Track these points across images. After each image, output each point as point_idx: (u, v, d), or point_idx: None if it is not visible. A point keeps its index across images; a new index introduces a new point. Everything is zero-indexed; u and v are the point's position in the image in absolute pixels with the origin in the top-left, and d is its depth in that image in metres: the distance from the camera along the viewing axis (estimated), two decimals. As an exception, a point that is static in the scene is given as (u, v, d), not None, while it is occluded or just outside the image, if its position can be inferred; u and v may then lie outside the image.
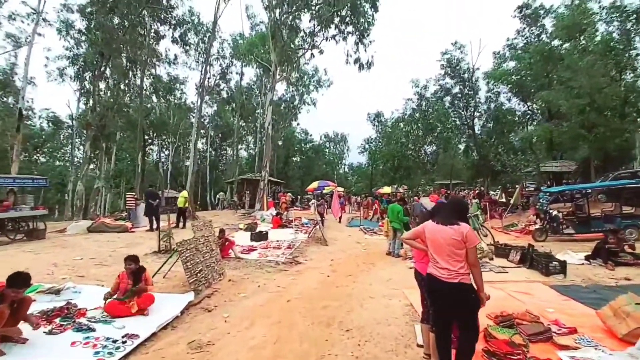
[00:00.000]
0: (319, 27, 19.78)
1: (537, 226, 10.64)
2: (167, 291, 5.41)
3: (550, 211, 10.36)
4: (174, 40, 20.67)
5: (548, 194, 11.13)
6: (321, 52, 20.57)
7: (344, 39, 19.23)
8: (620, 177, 15.75)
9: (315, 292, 5.67)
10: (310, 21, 20.18)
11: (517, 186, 20.36)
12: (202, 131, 47.18)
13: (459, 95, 22.57)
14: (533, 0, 22.70)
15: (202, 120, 45.68)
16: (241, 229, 13.30)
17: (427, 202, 15.61)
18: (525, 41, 24.10)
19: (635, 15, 17.13)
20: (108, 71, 17.62)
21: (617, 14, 17.85)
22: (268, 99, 19.52)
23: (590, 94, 14.36)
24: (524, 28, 24.17)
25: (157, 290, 5.23)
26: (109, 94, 17.55)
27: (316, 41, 20.29)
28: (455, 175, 29.80)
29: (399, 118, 17.06)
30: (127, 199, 12.64)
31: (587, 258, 6.65)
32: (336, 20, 19.00)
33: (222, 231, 8.39)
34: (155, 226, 11.59)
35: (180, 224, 12.80)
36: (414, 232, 3.12)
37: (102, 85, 17.60)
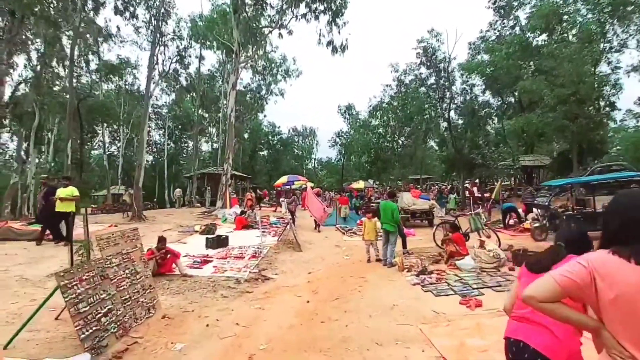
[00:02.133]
0: (287, 4, 17.68)
1: (536, 224, 9.52)
2: (47, 352, 3.29)
3: (552, 207, 9.27)
4: (116, 11, 17.57)
5: (550, 188, 10.06)
6: (290, 32, 18.51)
7: (316, 17, 17.31)
8: (601, 171, 15.38)
9: (291, 335, 3.80)
10: (278, -1, 18.03)
11: (496, 181, 19.75)
12: (159, 122, 43.42)
13: (435, 86, 21.55)
14: (507, -8, 22.11)
15: (159, 109, 41.97)
16: (197, 231, 11.06)
17: (409, 198, 14.25)
18: (497, 34, 23.65)
19: (610, 8, 16.81)
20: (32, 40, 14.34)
21: (592, 6, 17.50)
22: (230, 82, 17.18)
23: (575, 83, 13.69)
24: (496, 21, 23.68)
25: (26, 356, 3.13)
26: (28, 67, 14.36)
27: (284, 20, 18.18)
28: (427, 169, 29.12)
29: (377, 106, 15.64)
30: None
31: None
32: (307, -5, 17.02)
33: (161, 240, 6.25)
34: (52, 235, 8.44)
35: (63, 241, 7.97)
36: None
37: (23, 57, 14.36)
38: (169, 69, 28.45)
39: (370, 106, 15.84)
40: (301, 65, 67.21)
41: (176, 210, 18.90)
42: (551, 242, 7.69)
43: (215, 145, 41.64)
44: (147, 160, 43.23)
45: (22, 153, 23.21)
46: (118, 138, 37.71)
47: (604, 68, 18.06)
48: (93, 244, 4.25)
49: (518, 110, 21.88)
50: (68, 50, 14.43)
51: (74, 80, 23.99)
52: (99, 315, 3.45)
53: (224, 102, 36.36)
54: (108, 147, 43.20)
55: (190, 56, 29.83)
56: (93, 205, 32.47)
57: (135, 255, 4.51)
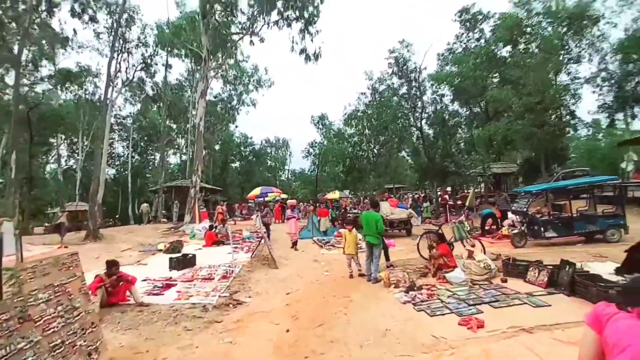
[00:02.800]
0: (258, 11, 17.23)
1: (514, 230, 9.42)
2: None
3: (529, 213, 9.22)
4: (73, 13, 16.25)
5: (526, 194, 10.06)
6: (262, 40, 17.99)
7: (289, 25, 16.96)
8: (566, 176, 15.93)
9: (269, 378, 3.13)
10: (249, 6, 17.55)
11: (467, 189, 20.00)
12: (122, 133, 41.01)
13: (407, 95, 21.78)
14: (472, 6, 22.99)
15: (123, 120, 39.73)
16: (160, 250, 10.03)
17: (386, 207, 13.92)
18: (464, 46, 24.51)
19: (567, 21, 17.80)
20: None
21: (552, 20, 18.47)
22: (199, 90, 16.30)
23: (540, 91, 14.17)
24: (462, 33, 24.55)
25: None
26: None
27: (256, 27, 17.68)
28: (399, 178, 29.31)
29: (352, 114, 15.39)
30: None
31: (619, 271, 5.20)
32: (279, 4, 16.66)
33: (111, 264, 5.34)
34: None
35: None
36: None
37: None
38: (133, 77, 27.00)
39: (345, 114, 15.63)
40: (273, 75, 66.88)
41: (140, 227, 17.45)
42: (530, 247, 7.50)
43: (184, 157, 39.80)
44: (108, 174, 40.64)
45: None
46: (77, 151, 35.24)
47: (564, 78, 18.97)
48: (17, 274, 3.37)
49: (484, 119, 22.56)
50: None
51: (26, 88, 22.09)
52: (12, 373, 2.61)
53: (193, 112, 35.04)
54: (66, 160, 40.30)
55: (156, 64, 28.49)
56: (46, 224, 29.76)
57: (73, 287, 3.66)
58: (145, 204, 24.62)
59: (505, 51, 19.82)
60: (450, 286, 5.49)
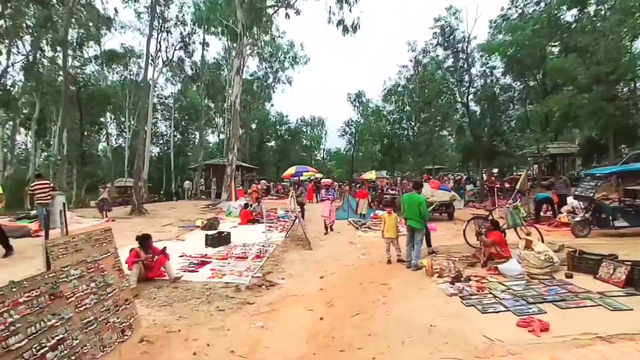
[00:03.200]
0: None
1: (577, 217, 8.37)
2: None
3: (596, 199, 8.09)
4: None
5: (592, 177, 8.86)
6: (297, 12, 17.28)
7: (325, -5, 16.02)
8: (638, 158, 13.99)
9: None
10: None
11: (518, 170, 18.45)
12: (165, 112, 42.68)
13: (452, 68, 20.12)
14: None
15: (165, 100, 41.24)
16: (198, 227, 10.24)
17: (427, 189, 13.14)
18: (520, 11, 21.94)
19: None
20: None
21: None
22: (235, 67, 16.15)
23: (614, 60, 12.27)
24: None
25: None
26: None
27: (291, -2, 16.94)
28: (439, 159, 27.77)
29: (392, 89, 14.39)
30: (37, 189, 8.85)
31: None
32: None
33: (144, 239, 5.34)
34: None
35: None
36: None
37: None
38: (172, 56, 27.58)
39: (385, 89, 14.66)
40: (309, 52, 65.58)
41: (180, 203, 18.17)
42: (594, 237, 6.56)
43: (222, 135, 40.85)
44: (153, 152, 42.86)
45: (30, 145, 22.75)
46: (125, 130, 37.38)
47: (640, 44, 16.35)
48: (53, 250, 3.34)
49: (541, 94, 20.34)
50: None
51: (76, 69, 23.39)
52: (42, 350, 2.56)
53: (230, 90, 35.42)
54: (116, 139, 43.03)
55: (194, 43, 28.90)
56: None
57: (107, 263, 3.62)
58: (187, 181, 25.70)
59: (570, 15, 17.43)
60: (503, 279, 4.89)
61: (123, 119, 36.16)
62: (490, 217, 6.73)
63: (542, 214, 10.43)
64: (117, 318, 3.46)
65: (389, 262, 6.33)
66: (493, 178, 20.33)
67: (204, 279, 5.39)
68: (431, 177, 31.75)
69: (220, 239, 7.64)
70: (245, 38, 16.13)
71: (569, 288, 4.36)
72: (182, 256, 6.67)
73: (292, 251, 7.69)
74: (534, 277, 4.84)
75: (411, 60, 15.18)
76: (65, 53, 12.73)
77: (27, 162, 28.29)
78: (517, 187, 15.47)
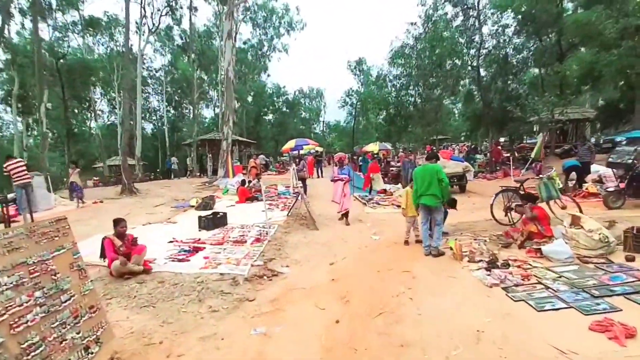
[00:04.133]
0: None
1: (610, 187, 7.53)
2: None
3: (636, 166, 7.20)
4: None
5: (633, 140, 7.93)
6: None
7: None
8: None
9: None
10: None
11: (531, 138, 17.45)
12: (157, 86, 40.85)
13: (462, 28, 18.54)
14: None
15: (156, 72, 39.28)
16: (192, 206, 9.44)
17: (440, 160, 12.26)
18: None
19: None
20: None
21: None
22: (225, 30, 14.69)
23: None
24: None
25: None
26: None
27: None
28: (443, 129, 26.59)
29: (399, 51, 13.04)
30: (12, 169, 7.89)
31: None
32: None
33: (118, 222, 4.49)
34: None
35: None
36: None
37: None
38: (159, 23, 25.70)
39: (392, 50, 13.32)
40: (306, 17, 62.14)
41: (175, 182, 17.31)
42: (630, 210, 5.72)
43: (217, 110, 39.27)
44: (146, 129, 41.49)
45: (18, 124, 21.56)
46: (117, 106, 35.92)
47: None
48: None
49: (556, 55, 18.90)
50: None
51: (53, 39, 21.67)
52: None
53: (222, 59, 33.51)
54: (108, 115, 41.55)
55: (181, 7, 26.87)
56: (95, 178, 31.38)
57: (60, 263, 2.80)
58: (174, 158, 24.77)
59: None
60: (549, 264, 4.12)
61: (114, 95, 34.56)
62: (521, 189, 5.88)
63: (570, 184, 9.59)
64: (78, 333, 2.69)
65: (407, 243, 5.58)
66: (500, 147, 19.40)
67: (196, 270, 4.62)
68: (434, 148, 30.80)
69: (215, 221, 6.85)
70: (235, -3, 14.55)
71: (637, 275, 3.58)
72: (171, 242, 5.90)
73: (295, 232, 6.92)
74: (587, 260, 4.07)
75: (420, 17, 13.77)
76: (35, 18, 11.35)
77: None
78: (533, 155, 14.70)
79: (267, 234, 6.39)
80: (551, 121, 14.12)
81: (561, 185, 6.25)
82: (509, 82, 19.15)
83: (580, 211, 5.68)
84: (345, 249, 5.77)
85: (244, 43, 34.66)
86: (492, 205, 6.15)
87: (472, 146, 26.74)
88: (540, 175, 5.86)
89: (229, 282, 4.28)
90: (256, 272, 4.58)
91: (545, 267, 4.02)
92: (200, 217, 6.82)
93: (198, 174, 20.99)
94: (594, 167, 10.19)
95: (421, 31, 13.83)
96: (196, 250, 5.45)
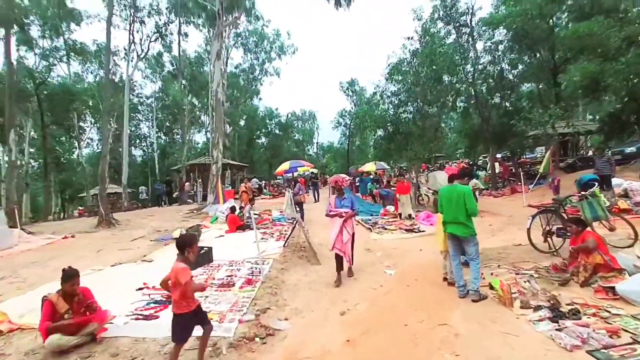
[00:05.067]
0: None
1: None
2: None
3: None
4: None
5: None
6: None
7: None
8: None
9: None
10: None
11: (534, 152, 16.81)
12: (147, 113, 40.22)
13: (455, 46, 18.27)
14: None
15: (146, 99, 38.71)
16: (175, 239, 8.28)
17: (442, 177, 11.41)
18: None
19: None
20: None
21: None
22: (214, 51, 14.09)
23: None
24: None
25: None
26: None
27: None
28: (437, 146, 25.99)
29: (396, 66, 12.39)
30: None
31: None
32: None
33: (67, 277, 3.37)
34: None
35: None
36: None
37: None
38: (148, 49, 25.31)
39: (389, 65, 12.78)
40: (297, 41, 63.13)
41: (161, 210, 16.12)
42: None
43: (209, 134, 38.60)
44: (135, 156, 40.49)
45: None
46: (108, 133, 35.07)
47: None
48: None
49: (549, 69, 18.69)
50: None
51: (36, 66, 20.96)
52: None
53: (221, 90, 33.15)
54: (97, 144, 40.59)
55: (171, 34, 26.64)
56: (80, 207, 29.89)
57: None
58: (143, 187, 23.85)
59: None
60: (633, 308, 3.12)
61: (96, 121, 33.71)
62: (564, 212, 4.95)
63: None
64: None
65: (446, 280, 4.53)
66: (496, 163, 18.75)
67: (165, 333, 3.48)
68: (429, 166, 30.10)
69: (197, 258, 5.73)
70: (224, 17, 14.06)
71: None
72: (141, 289, 4.78)
73: (294, 268, 5.84)
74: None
75: (416, 31, 13.35)
76: (7, 36, 10.56)
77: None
78: (541, 170, 13.94)
79: (259, 272, 5.31)
80: (558, 134, 13.48)
81: (608, 203, 5.34)
82: (505, 97, 18.79)
83: (636, 233, 4.76)
84: (356, 290, 4.70)
85: (236, 67, 34.54)
86: (529, 229, 5.17)
87: (471, 162, 26.21)
88: (583, 192, 4.94)
89: (209, 349, 3.17)
90: (246, 332, 3.48)
91: (631, 315, 3.02)
92: (178, 255, 5.70)
93: (189, 200, 19.82)
94: (615, 181, 9.40)
95: (418, 46, 13.39)
96: (170, 300, 4.33)
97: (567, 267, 4.04)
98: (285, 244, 7.31)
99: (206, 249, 6.06)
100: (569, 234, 4.70)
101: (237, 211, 10.80)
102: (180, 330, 2.84)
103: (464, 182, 4.23)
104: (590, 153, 18.00)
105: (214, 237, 8.47)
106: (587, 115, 24.53)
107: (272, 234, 8.59)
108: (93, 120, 36.91)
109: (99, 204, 19.84)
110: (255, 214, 10.71)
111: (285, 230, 8.83)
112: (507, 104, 18.36)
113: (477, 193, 11.56)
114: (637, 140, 14.82)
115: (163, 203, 18.69)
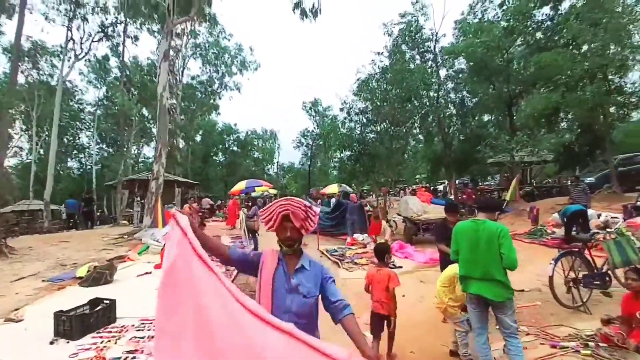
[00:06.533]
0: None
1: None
2: None
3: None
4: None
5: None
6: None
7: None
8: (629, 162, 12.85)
9: None
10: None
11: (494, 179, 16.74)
12: (89, 121, 36.11)
13: (420, 69, 18.24)
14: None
15: (86, 105, 34.81)
16: (79, 278, 6.12)
17: (416, 204, 10.40)
18: (480, 17, 21.10)
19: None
20: None
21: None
22: (162, 51, 12.29)
23: (612, 55, 10.88)
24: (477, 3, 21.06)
25: None
26: None
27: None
28: (398, 171, 25.87)
29: (364, 82, 11.55)
30: None
31: None
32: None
33: None
34: None
35: None
36: None
37: None
38: (89, 48, 22.57)
39: (359, 80, 11.89)
40: (260, 57, 62.22)
41: (78, 234, 13.30)
42: None
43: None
44: (71, 168, 35.98)
45: None
46: (39, 142, 31.06)
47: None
48: None
49: (504, 100, 19.27)
50: None
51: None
52: None
53: (167, 95, 30.58)
54: (27, 154, 35.63)
55: (119, 35, 24.15)
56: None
57: None
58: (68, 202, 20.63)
59: (541, 14, 16.54)
60: None
61: (39, 129, 29.65)
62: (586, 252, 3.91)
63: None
64: None
65: (452, 354, 3.15)
66: (470, 190, 18.56)
67: None
68: (390, 190, 29.76)
69: (85, 320, 3.81)
70: (175, 15, 12.43)
71: None
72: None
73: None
74: None
75: (386, 47, 12.86)
76: None
77: None
78: (507, 197, 13.55)
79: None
80: (523, 162, 13.34)
81: (638, 244, 4.42)
82: (467, 124, 18.93)
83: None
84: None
85: (192, 78, 32.42)
86: (551, 277, 4.02)
87: (432, 188, 26.14)
88: (608, 229, 3.96)
89: None
90: None
91: None
92: (58, 317, 3.72)
93: (124, 221, 17.01)
94: (591, 212, 8.97)
95: (387, 63, 12.76)
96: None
97: (626, 338, 2.88)
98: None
99: (105, 303, 4.13)
100: (596, 283, 3.65)
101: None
102: None
103: (493, 217, 2.94)
104: (568, 181, 18.41)
105: (135, 276, 6.46)
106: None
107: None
108: (24, 127, 32.47)
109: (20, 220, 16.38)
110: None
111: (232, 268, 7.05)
112: (468, 131, 18.48)
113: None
114: (592, 171, 15.32)
115: (76, 224, 15.76)
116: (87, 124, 35.81)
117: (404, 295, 5.24)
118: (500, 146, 13.19)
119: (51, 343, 3.57)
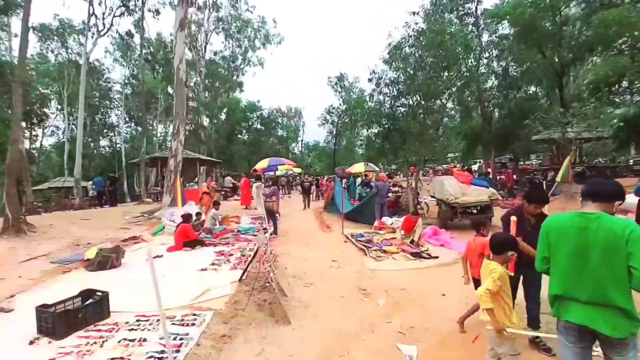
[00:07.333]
0: None
1: None
2: None
3: None
4: None
5: None
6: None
7: None
8: None
9: None
10: None
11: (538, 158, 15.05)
12: (115, 100, 36.73)
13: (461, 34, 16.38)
14: None
15: (113, 84, 35.26)
16: (87, 260, 5.75)
17: (453, 185, 9.26)
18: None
19: None
20: None
21: None
22: (178, 19, 11.53)
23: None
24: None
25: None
26: None
27: None
28: (432, 149, 24.27)
29: (397, 47, 10.11)
30: None
31: None
32: None
33: None
34: None
35: None
36: None
37: None
38: (112, 24, 22.25)
39: (390, 44, 10.54)
40: (283, 32, 60.36)
41: (100, 212, 13.31)
42: None
43: (188, 127, 35.47)
44: (102, 146, 37.09)
45: None
46: (72, 121, 31.95)
47: None
48: None
49: (557, 70, 17.02)
50: None
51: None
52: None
53: (191, 73, 30.28)
54: (63, 132, 37.12)
55: (141, 10, 23.63)
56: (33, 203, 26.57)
57: None
58: (96, 180, 20.90)
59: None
60: None
61: (71, 109, 30.54)
62: None
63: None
64: None
65: None
66: (509, 170, 16.96)
67: None
68: (421, 170, 28.23)
69: (70, 318, 3.27)
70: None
71: None
72: None
73: (244, 332, 3.49)
74: None
75: (422, 6, 11.34)
76: None
77: None
78: (558, 178, 11.98)
79: (182, 341, 2.96)
80: (577, 139, 11.69)
81: None
82: (510, 96, 17.04)
83: None
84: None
85: (215, 54, 31.73)
86: None
87: (465, 167, 24.47)
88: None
89: None
90: None
91: None
92: (40, 312, 3.22)
93: (148, 199, 17.08)
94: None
95: (423, 26, 11.23)
96: None
97: None
98: (242, 276, 4.96)
99: (96, 296, 3.60)
100: None
101: (194, 219, 8.39)
102: None
103: (611, 210, 1.91)
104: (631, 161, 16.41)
105: (145, 260, 6.01)
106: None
107: (229, 255, 6.20)
108: (60, 107, 33.52)
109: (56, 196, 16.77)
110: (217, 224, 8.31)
111: (250, 250, 6.48)
112: (512, 104, 16.62)
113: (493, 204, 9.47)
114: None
115: (105, 201, 16.00)
116: (116, 102, 36.43)
117: (444, 295, 4.41)
118: (552, 120, 11.55)
119: (31, 343, 3.07)
